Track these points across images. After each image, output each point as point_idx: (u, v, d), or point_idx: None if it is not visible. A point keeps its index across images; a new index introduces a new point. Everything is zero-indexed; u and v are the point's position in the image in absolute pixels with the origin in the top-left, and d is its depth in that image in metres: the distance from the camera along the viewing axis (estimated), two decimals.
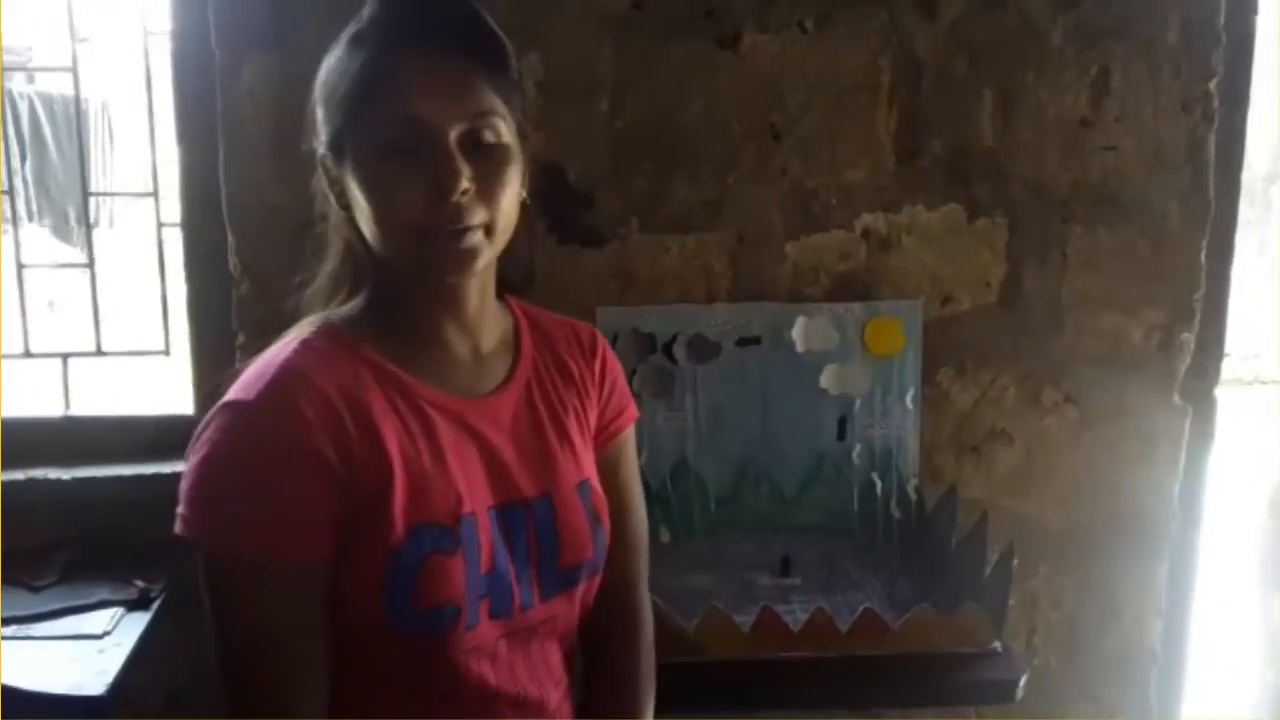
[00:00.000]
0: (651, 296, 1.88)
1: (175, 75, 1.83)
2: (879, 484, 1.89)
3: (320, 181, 1.04)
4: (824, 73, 1.84)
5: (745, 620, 1.48)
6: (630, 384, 1.84)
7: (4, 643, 1.57)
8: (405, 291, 1.04)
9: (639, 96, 1.83)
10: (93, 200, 2.10)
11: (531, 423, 1.10)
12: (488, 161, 0.97)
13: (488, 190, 0.97)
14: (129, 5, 2.07)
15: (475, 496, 1.02)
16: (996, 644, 1.51)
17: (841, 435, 1.90)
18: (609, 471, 1.20)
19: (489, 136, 0.97)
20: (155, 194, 1.98)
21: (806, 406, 1.90)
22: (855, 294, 1.90)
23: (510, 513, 1.05)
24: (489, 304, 1.10)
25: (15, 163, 3.30)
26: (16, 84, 4.52)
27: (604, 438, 1.20)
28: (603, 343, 1.22)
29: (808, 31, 1.82)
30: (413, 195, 0.94)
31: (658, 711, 1.44)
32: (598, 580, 1.14)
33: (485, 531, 1.02)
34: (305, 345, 1.00)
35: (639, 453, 1.82)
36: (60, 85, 4.59)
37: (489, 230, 0.98)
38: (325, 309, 1.07)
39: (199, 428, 0.97)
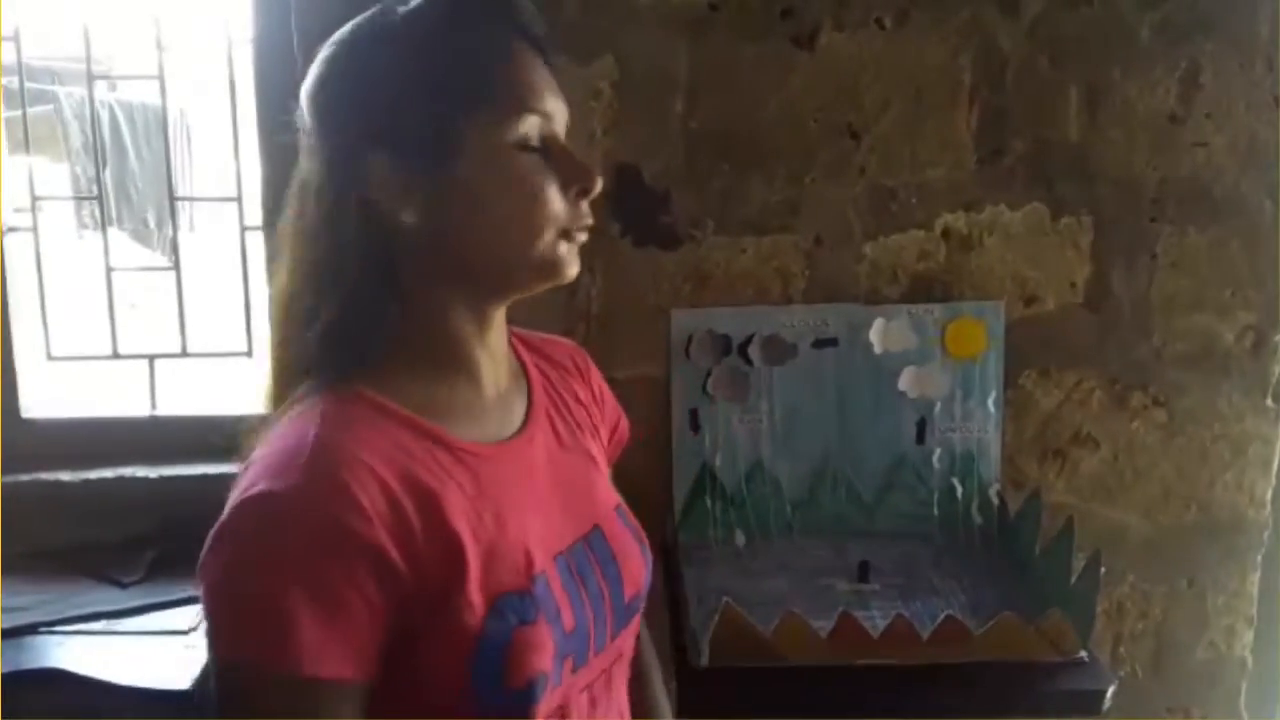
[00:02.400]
0: (727, 297, 1.86)
1: (257, 82, 1.86)
2: (959, 488, 1.86)
3: (353, 191, 0.87)
4: (903, 70, 1.81)
5: (823, 626, 1.46)
6: (705, 386, 1.85)
7: (93, 638, 1.61)
8: (443, 321, 0.92)
9: (715, 97, 1.82)
10: (176, 205, 2.14)
11: (562, 454, 1.02)
12: None
13: None
14: (211, 12, 2.11)
15: (539, 549, 0.91)
16: (1083, 653, 1.47)
17: (921, 438, 1.87)
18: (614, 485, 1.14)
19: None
20: (239, 199, 2.01)
21: (885, 409, 1.87)
22: (935, 295, 1.87)
23: (575, 554, 0.96)
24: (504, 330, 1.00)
25: (96, 169, 3.39)
26: (98, 92, 4.65)
27: (610, 454, 1.15)
28: (588, 359, 1.15)
29: (886, 29, 1.80)
30: (555, 195, 0.89)
31: (735, 714, 1.44)
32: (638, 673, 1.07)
33: (557, 584, 0.91)
34: (329, 415, 0.84)
35: (714, 454, 1.85)
36: (142, 93, 4.71)
37: None
38: (353, 348, 0.88)
39: (218, 528, 0.80)
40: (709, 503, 1.85)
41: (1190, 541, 1.95)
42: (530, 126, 0.88)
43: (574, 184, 0.90)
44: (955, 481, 1.86)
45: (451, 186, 0.87)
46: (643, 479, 1.84)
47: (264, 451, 0.83)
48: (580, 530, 0.98)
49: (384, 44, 0.87)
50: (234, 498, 0.81)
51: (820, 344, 1.87)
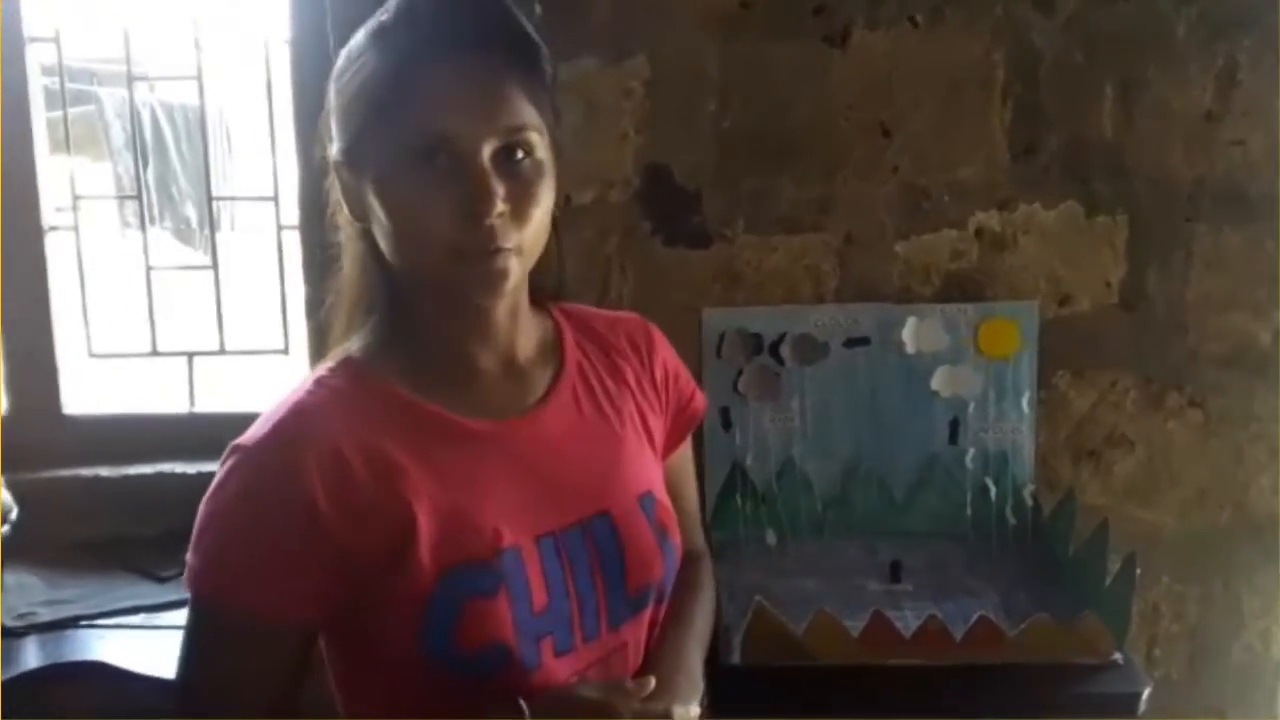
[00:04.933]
0: (758, 297, 1.86)
1: (294, 82, 1.88)
2: (993, 489, 1.85)
3: (333, 189, 0.97)
4: (936, 68, 1.80)
5: (855, 625, 1.46)
6: (736, 385, 1.85)
7: (132, 631, 1.63)
8: (427, 310, 0.97)
9: (746, 96, 1.82)
10: (214, 204, 2.16)
11: (583, 434, 1.03)
12: (521, 180, 0.90)
13: (521, 211, 0.90)
14: (249, 14, 2.14)
15: (519, 526, 0.94)
16: (1118, 655, 1.46)
17: (954, 438, 1.86)
18: (681, 471, 1.19)
19: (522, 153, 0.90)
20: (275, 198, 2.03)
21: (917, 409, 1.86)
22: (968, 294, 1.86)
23: (567, 537, 0.97)
24: (521, 317, 1.02)
25: (136, 169, 3.43)
26: (139, 92, 4.73)
27: (676, 437, 1.17)
28: (657, 336, 1.15)
29: (919, 26, 1.79)
30: (441, 214, 0.88)
31: (767, 713, 1.44)
32: (666, 604, 1.07)
33: (534, 563, 0.94)
34: (320, 384, 0.94)
35: (745, 453, 1.85)
36: (181, 93, 4.77)
37: (519, 250, 0.91)
38: (346, 328, 1.01)
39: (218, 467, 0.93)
40: (740, 501, 1.85)
41: (1226, 543, 1.93)
42: (420, 147, 0.88)
43: (465, 205, 0.87)
44: (989, 482, 1.85)
45: (366, 193, 0.93)
46: None
47: (268, 409, 0.95)
48: (580, 514, 0.99)
49: (344, 51, 0.95)
50: None
51: (852, 343, 1.86)
